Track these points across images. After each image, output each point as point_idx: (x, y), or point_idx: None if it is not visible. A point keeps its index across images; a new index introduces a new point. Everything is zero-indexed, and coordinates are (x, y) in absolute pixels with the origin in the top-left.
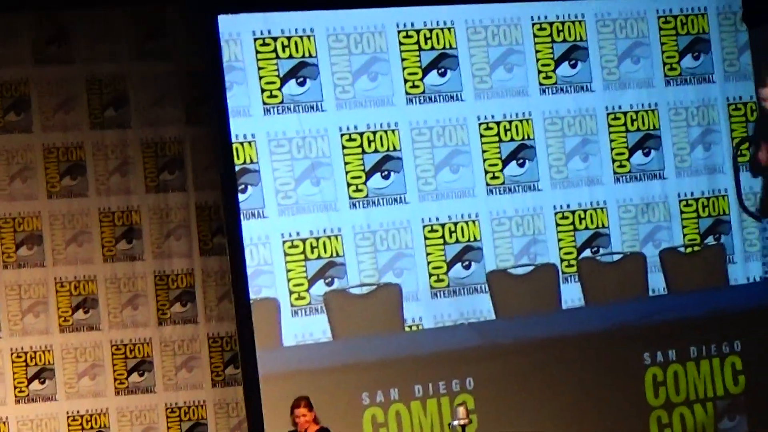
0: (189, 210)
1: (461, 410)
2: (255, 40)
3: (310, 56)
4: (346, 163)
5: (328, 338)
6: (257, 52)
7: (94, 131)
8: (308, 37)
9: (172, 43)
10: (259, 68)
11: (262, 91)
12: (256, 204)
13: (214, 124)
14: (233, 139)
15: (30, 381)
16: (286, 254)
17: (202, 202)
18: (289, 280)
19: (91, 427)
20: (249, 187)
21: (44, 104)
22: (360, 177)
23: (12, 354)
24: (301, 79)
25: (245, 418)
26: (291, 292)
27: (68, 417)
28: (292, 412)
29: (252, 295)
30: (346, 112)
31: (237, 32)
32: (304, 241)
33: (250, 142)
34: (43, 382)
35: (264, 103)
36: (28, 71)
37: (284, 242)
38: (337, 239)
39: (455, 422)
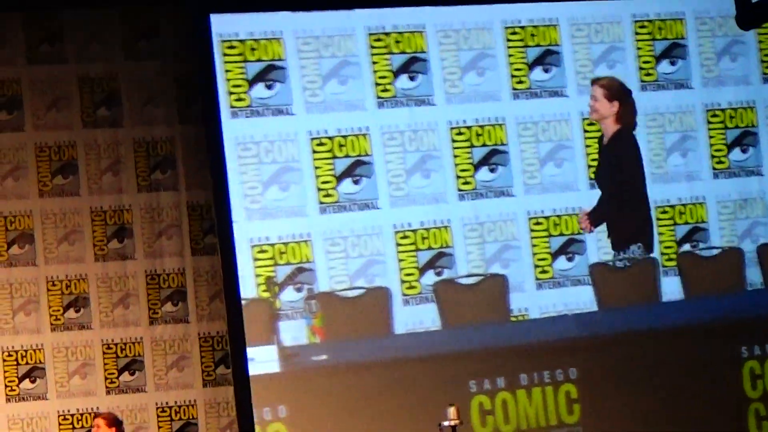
0: (180, 209)
1: (452, 410)
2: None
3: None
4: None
5: (437, 327)
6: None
7: (86, 130)
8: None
9: (163, 42)
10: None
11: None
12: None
13: (206, 124)
14: None
15: (21, 380)
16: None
17: (193, 201)
18: (401, 269)
19: (82, 426)
20: None
21: (36, 103)
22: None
23: (3, 353)
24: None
25: (235, 418)
26: (402, 281)
27: (59, 416)
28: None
29: (365, 284)
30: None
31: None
32: (415, 231)
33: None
34: (33, 381)
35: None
36: (21, 70)
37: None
38: (446, 229)
39: (445, 423)
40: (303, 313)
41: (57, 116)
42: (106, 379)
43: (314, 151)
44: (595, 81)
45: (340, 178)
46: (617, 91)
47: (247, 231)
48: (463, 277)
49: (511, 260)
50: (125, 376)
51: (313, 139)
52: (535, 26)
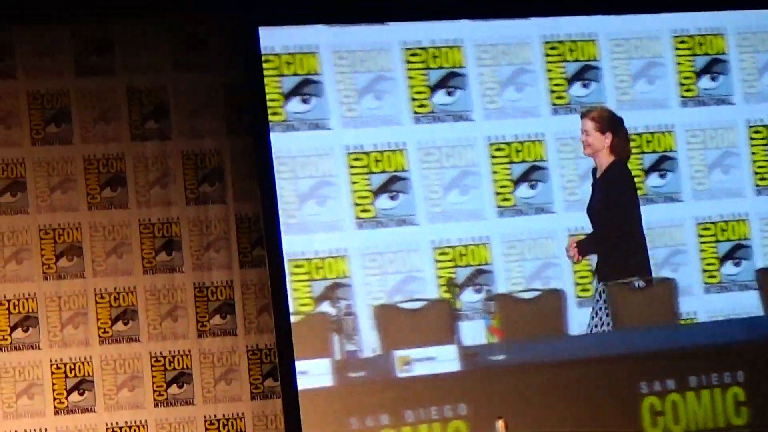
0: (229, 222)
1: (500, 424)
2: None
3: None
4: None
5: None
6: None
7: (134, 143)
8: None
9: (211, 54)
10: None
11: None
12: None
13: (254, 136)
14: None
15: (69, 392)
16: None
17: (241, 213)
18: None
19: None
20: None
21: (84, 115)
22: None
23: (52, 365)
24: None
25: (284, 430)
26: (576, 284)
27: (107, 428)
28: None
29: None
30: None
31: None
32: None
33: None
34: (82, 394)
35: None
36: (69, 83)
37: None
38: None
39: None
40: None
41: (105, 128)
42: (154, 391)
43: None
44: (584, 114)
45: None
46: (608, 122)
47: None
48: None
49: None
50: (173, 389)
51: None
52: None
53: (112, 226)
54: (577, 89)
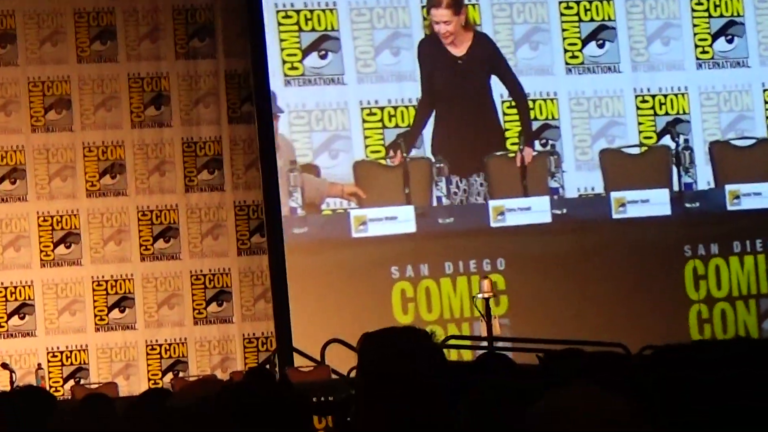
0: (218, 77)
1: (486, 283)
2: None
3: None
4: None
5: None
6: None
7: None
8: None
9: None
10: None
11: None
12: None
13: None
14: None
15: (56, 245)
16: None
17: (231, 69)
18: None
19: (116, 292)
20: None
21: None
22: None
23: (39, 218)
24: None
25: (269, 287)
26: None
27: (93, 281)
28: None
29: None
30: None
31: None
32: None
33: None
34: (68, 247)
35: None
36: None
37: None
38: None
39: (480, 295)
40: None
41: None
42: (141, 246)
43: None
44: (435, 4)
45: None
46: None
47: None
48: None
49: None
50: (160, 243)
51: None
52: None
53: (101, 80)
54: (592, 48)
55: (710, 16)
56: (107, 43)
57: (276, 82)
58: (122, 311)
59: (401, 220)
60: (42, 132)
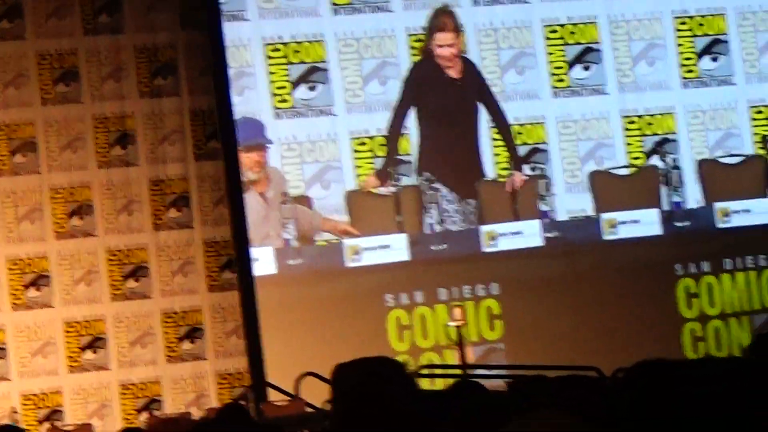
0: (183, 115)
1: (457, 311)
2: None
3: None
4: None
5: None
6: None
7: (87, 38)
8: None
9: None
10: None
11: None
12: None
13: (209, 27)
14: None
15: (27, 287)
16: None
17: (195, 107)
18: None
19: (88, 333)
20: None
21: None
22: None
23: (7, 263)
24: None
25: (242, 323)
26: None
27: (65, 323)
28: None
29: None
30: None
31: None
32: None
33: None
34: (39, 289)
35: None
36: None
37: None
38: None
39: (451, 323)
40: None
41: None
42: (111, 285)
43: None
44: (438, 29)
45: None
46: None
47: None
48: None
49: None
50: (130, 283)
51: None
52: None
53: (66, 122)
54: (577, 72)
55: (694, 36)
56: (70, 84)
57: (266, 115)
58: (95, 352)
59: (394, 248)
60: (9, 176)
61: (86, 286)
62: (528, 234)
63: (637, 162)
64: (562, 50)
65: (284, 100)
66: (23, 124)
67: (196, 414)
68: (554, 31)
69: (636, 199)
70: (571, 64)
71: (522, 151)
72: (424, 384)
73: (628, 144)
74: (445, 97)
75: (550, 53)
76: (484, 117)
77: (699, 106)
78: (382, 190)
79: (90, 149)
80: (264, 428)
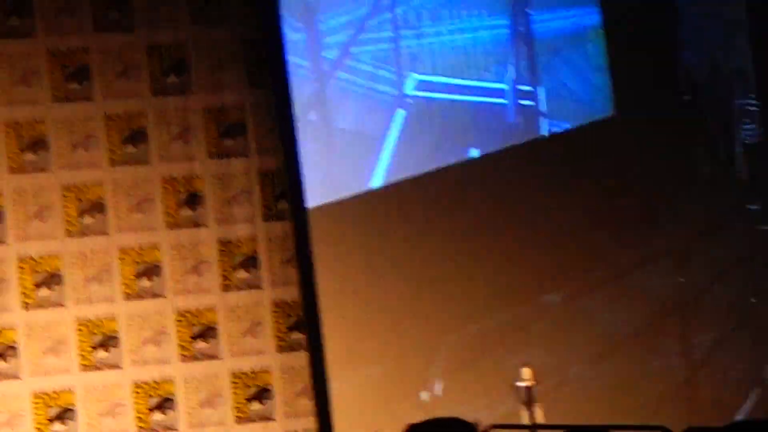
0: (251, 176)
1: (525, 371)
2: None
3: None
4: None
5: None
6: None
7: (156, 98)
8: None
9: (231, 7)
10: None
11: None
12: None
13: (275, 88)
14: None
15: (95, 349)
16: None
17: (263, 167)
18: None
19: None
20: None
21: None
22: None
23: (77, 323)
24: None
25: (310, 384)
26: None
27: (135, 386)
28: None
29: None
30: None
31: None
32: None
33: None
34: (107, 351)
35: None
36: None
37: None
38: None
39: (520, 383)
40: None
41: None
42: (180, 347)
43: None
44: None
45: None
46: None
47: None
48: None
49: None
50: (199, 344)
51: None
52: None
53: (135, 183)
54: None
55: None
56: (138, 145)
57: None
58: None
59: None
60: (76, 237)
61: (155, 347)
62: None
63: None
64: None
65: None
66: (92, 185)
67: None
68: None
69: None
70: None
71: None
72: None
73: None
74: None
75: None
76: None
77: None
78: None
79: (158, 210)
80: None
